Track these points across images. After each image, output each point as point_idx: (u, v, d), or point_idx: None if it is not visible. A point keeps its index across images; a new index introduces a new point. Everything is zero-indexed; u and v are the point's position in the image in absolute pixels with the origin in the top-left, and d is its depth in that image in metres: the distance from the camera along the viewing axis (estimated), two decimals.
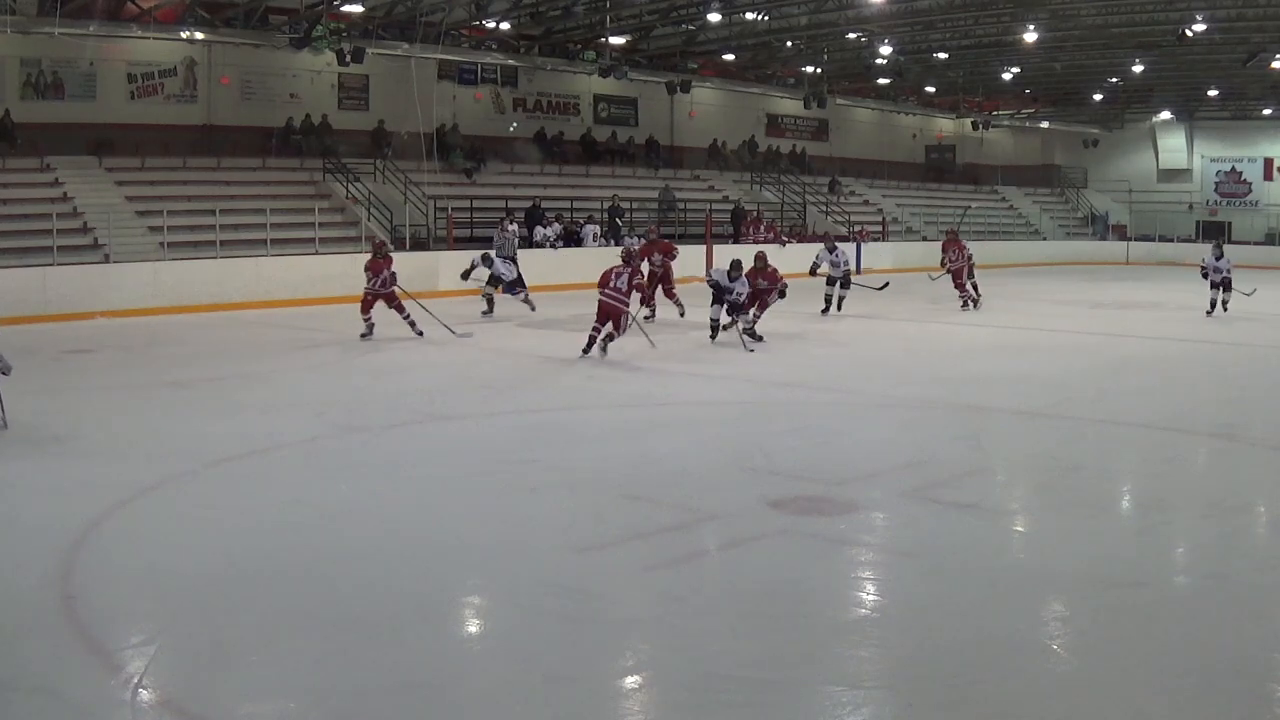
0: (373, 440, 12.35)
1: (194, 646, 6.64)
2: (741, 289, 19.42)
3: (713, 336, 19.77)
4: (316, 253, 28.23)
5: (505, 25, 36.34)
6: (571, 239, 33.41)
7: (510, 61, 38.77)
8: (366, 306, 20.17)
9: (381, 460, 11.41)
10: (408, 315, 20.13)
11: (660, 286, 23.46)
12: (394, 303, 20.21)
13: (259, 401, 14.73)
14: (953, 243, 27.37)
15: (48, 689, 6.04)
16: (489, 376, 16.62)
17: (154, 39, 31.97)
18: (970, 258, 27.24)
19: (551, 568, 7.99)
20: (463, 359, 18.33)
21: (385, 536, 8.73)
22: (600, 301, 17.99)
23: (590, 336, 17.82)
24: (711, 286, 19.67)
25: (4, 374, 12.34)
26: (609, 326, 17.81)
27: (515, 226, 29.87)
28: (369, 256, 20.82)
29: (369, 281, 20.20)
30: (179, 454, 11.42)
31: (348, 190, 32.54)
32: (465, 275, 24.38)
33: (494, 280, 24.06)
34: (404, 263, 28.43)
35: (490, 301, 24.35)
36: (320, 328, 19.00)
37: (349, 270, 25.16)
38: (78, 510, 9.26)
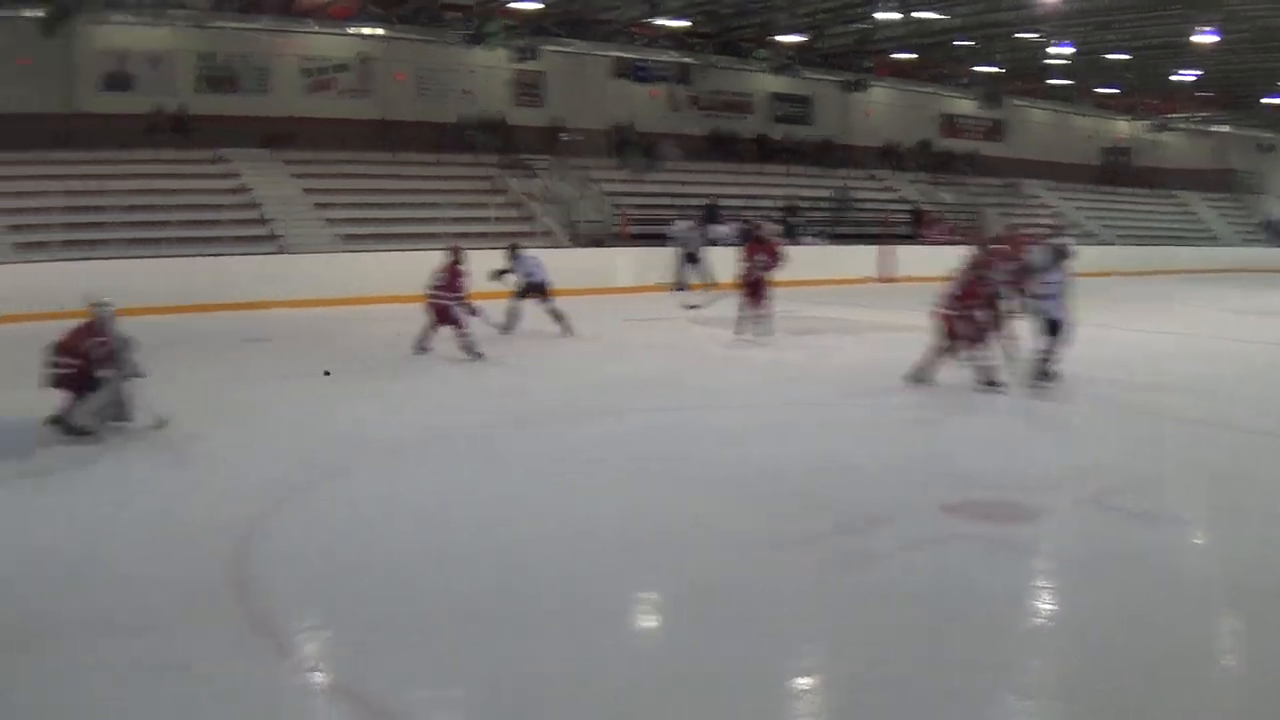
0: (542, 433, 12.44)
1: (363, 632, 6.77)
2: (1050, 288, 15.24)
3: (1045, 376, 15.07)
4: (492, 248, 28.41)
5: (679, 23, 36.38)
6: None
7: (684, 59, 38.84)
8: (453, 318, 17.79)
9: (551, 454, 11.46)
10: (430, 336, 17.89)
11: (753, 292, 19.75)
12: (455, 317, 17.73)
13: (429, 393, 15.01)
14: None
15: (221, 672, 6.17)
16: (663, 372, 16.60)
17: (328, 34, 32.56)
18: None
19: (721, 566, 7.91)
20: (634, 355, 18.47)
21: (555, 530, 8.75)
22: (941, 316, 15.08)
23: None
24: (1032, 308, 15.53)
25: (137, 377, 12.48)
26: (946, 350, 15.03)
27: (692, 224, 29.97)
28: (450, 261, 18.19)
29: (448, 288, 17.84)
30: (350, 442, 11.70)
31: (524, 187, 32.75)
32: (497, 275, 20.40)
33: (525, 289, 20.41)
34: (580, 260, 28.73)
35: (511, 315, 20.34)
36: (491, 321, 19.00)
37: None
38: (251, 497, 9.50)
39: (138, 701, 5.88)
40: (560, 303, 20.26)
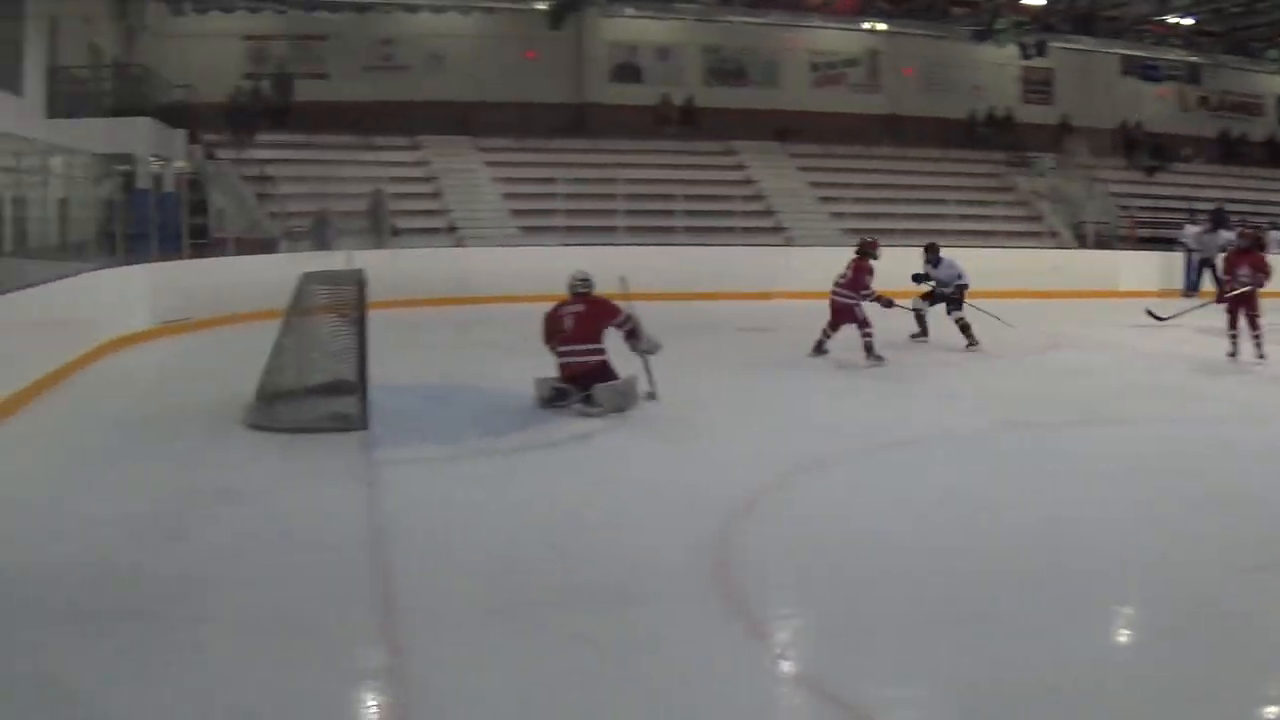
0: (1040, 437, 12.32)
1: (837, 625, 6.89)
2: None
3: None
4: (1001, 246, 28.26)
5: (1187, 20, 35.36)
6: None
7: (1191, 58, 37.83)
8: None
9: (1045, 458, 11.32)
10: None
11: (1245, 312, 17.81)
12: (858, 316, 16.94)
13: (925, 390, 15.24)
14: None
15: (692, 653, 6.37)
16: (1168, 383, 16.14)
17: (835, 29, 33.07)
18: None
19: (1210, 586, 7.50)
20: (1140, 365, 17.97)
21: (1038, 535, 8.57)
22: None
23: None
24: None
25: (652, 353, 13.08)
26: None
27: (1202, 229, 29.02)
28: (861, 258, 17.41)
29: (850, 285, 17.12)
30: (842, 435, 12.04)
31: (1031, 185, 32.59)
32: (919, 279, 19.32)
33: (942, 295, 18.96)
34: (1085, 261, 28.32)
35: (921, 321, 19.31)
36: (994, 323, 18.81)
37: (1026, 266, 25.25)
38: (736, 481, 9.84)
39: (607, 675, 6.14)
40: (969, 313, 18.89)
